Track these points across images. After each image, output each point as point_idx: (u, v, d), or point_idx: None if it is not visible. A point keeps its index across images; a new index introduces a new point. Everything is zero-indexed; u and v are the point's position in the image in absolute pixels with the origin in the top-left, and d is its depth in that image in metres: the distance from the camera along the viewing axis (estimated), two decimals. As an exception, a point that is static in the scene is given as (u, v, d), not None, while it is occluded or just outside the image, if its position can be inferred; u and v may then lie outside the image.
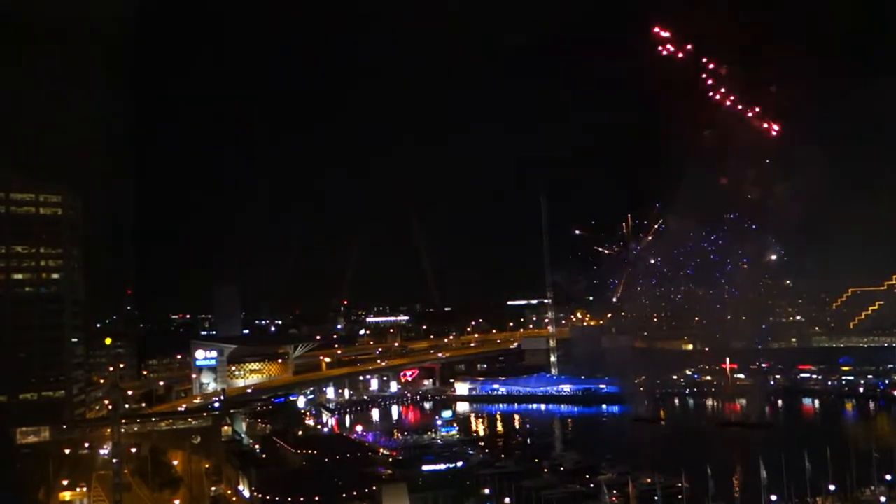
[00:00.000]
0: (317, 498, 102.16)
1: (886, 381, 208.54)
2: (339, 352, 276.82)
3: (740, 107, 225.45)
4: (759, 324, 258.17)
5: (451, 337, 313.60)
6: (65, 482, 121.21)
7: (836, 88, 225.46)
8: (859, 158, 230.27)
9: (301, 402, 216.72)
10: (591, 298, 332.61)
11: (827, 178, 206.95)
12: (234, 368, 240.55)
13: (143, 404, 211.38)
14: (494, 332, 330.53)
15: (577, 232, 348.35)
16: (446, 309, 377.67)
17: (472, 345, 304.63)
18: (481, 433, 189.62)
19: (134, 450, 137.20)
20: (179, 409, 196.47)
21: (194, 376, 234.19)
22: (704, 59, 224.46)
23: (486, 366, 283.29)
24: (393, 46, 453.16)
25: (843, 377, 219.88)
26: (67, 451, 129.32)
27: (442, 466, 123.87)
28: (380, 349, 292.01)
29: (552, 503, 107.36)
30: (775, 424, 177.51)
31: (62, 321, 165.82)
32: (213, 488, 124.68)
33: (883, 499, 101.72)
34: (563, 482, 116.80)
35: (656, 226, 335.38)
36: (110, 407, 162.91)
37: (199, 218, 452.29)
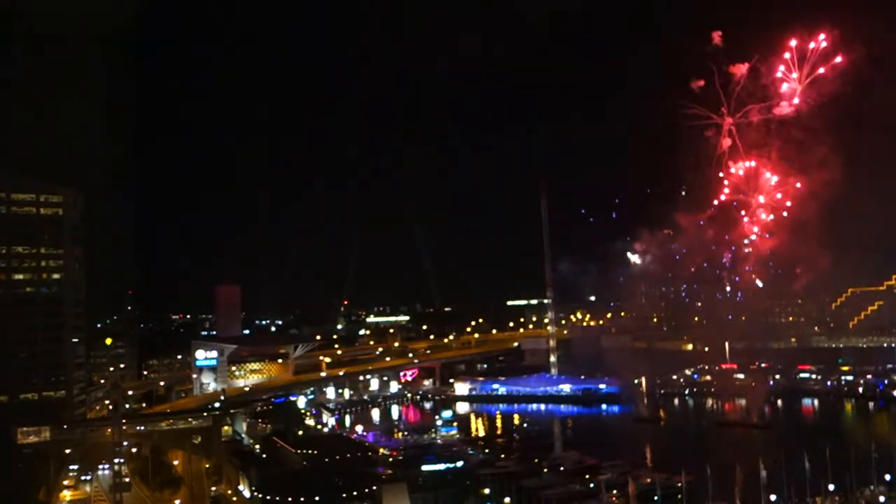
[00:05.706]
0: (317, 498, 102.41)
1: (886, 381, 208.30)
2: (339, 352, 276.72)
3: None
4: (759, 324, 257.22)
5: (451, 337, 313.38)
6: (65, 482, 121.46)
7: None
8: (860, 156, 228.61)
9: (301, 402, 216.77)
10: (591, 298, 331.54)
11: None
12: (234, 368, 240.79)
13: (144, 404, 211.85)
14: (494, 332, 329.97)
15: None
16: (446, 309, 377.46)
17: (472, 345, 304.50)
18: (481, 433, 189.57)
19: (134, 450, 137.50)
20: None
21: (194, 376, 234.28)
22: None
23: (486, 366, 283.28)
24: (393, 46, 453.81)
25: (843, 377, 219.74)
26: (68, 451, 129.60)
27: (442, 466, 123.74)
28: (380, 349, 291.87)
29: (552, 503, 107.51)
30: (775, 424, 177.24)
31: (63, 321, 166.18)
32: (213, 488, 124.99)
33: (882, 498, 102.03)
34: (563, 482, 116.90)
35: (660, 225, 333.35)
36: (111, 407, 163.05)
37: (199, 218, 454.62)
